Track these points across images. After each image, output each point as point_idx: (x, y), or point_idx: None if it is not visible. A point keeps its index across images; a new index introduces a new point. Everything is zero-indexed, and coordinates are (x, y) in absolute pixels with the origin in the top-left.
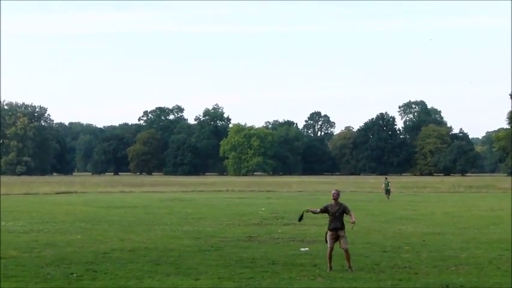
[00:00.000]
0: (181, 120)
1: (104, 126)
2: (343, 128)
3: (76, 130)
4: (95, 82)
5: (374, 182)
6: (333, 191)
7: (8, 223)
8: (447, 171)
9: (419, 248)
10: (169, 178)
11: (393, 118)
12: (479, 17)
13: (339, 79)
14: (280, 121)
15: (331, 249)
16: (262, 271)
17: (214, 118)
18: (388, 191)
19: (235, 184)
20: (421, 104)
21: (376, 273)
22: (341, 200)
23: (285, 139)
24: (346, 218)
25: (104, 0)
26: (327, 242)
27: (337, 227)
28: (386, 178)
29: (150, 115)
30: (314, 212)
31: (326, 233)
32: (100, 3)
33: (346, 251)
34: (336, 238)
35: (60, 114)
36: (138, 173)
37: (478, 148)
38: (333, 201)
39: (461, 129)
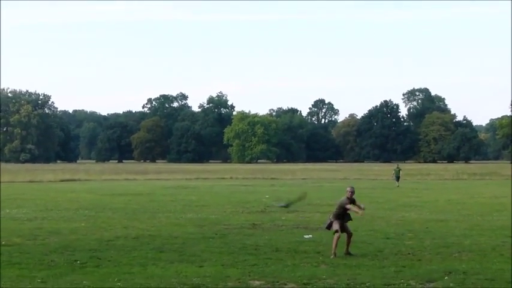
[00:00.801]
0: (185, 107)
1: (107, 114)
2: (347, 116)
3: (80, 118)
4: (99, 70)
5: (378, 169)
6: (349, 189)
7: (12, 210)
8: (451, 159)
9: (422, 235)
10: (173, 165)
11: (397, 105)
12: (483, 5)
13: (343, 67)
14: (284, 108)
15: (339, 235)
16: (266, 258)
17: (218, 105)
18: (398, 178)
19: (239, 172)
20: (425, 91)
21: (380, 260)
22: (344, 187)
23: (288, 126)
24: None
25: None
26: (328, 229)
27: (345, 220)
28: (398, 165)
29: (154, 103)
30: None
31: (331, 223)
32: None
33: (351, 235)
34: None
35: (64, 102)
36: (142, 161)
37: (482, 135)
38: (347, 198)
39: (465, 116)
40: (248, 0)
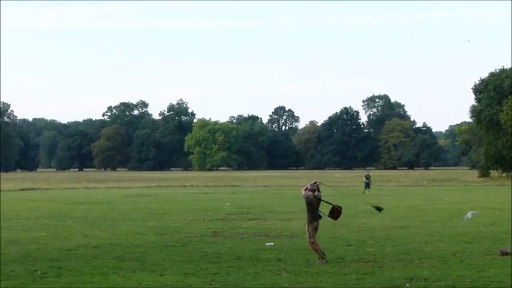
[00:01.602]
0: (145, 115)
1: (67, 122)
2: (308, 123)
3: (40, 126)
4: (58, 77)
5: (338, 176)
6: (309, 186)
7: None
8: (411, 165)
9: (383, 242)
10: (134, 173)
11: (357, 112)
12: (439, 11)
13: (303, 73)
14: (245, 116)
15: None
16: (228, 266)
17: (178, 113)
18: (367, 185)
19: (200, 179)
20: (385, 98)
21: (341, 267)
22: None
23: (249, 134)
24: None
25: None
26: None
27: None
28: (368, 172)
29: (114, 110)
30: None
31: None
32: None
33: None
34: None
35: (24, 110)
36: (102, 169)
37: (441, 142)
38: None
39: (424, 122)
40: (207, 7)
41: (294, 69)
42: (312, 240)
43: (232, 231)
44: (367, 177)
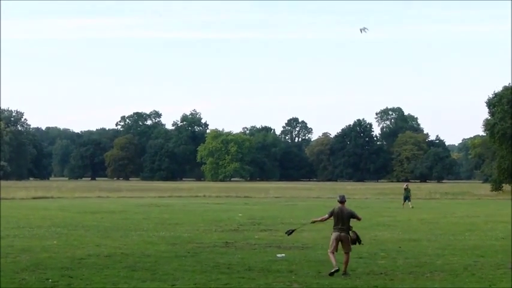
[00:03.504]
0: (158, 125)
1: (81, 131)
2: (321, 134)
3: (53, 135)
4: (72, 87)
5: (351, 188)
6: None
7: None
8: (423, 178)
9: (395, 255)
10: (147, 183)
11: (370, 124)
12: (453, 24)
13: (316, 85)
14: (258, 127)
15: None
16: (239, 277)
17: (191, 123)
18: (407, 198)
19: (213, 190)
20: (398, 110)
21: (352, 280)
22: (317, 206)
23: (262, 145)
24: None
25: (82, 0)
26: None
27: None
28: (407, 185)
29: (127, 120)
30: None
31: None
32: (78, 8)
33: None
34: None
35: (37, 119)
36: (115, 178)
37: (454, 155)
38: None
39: (437, 136)
40: (221, 19)
41: (307, 81)
42: (329, 250)
43: (244, 242)
44: (407, 190)
